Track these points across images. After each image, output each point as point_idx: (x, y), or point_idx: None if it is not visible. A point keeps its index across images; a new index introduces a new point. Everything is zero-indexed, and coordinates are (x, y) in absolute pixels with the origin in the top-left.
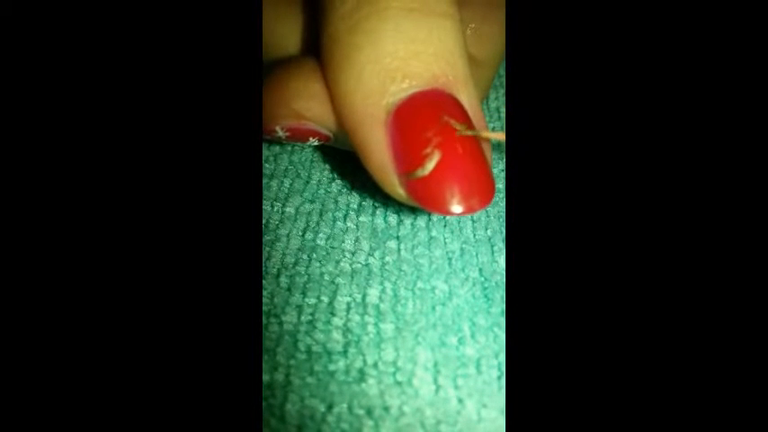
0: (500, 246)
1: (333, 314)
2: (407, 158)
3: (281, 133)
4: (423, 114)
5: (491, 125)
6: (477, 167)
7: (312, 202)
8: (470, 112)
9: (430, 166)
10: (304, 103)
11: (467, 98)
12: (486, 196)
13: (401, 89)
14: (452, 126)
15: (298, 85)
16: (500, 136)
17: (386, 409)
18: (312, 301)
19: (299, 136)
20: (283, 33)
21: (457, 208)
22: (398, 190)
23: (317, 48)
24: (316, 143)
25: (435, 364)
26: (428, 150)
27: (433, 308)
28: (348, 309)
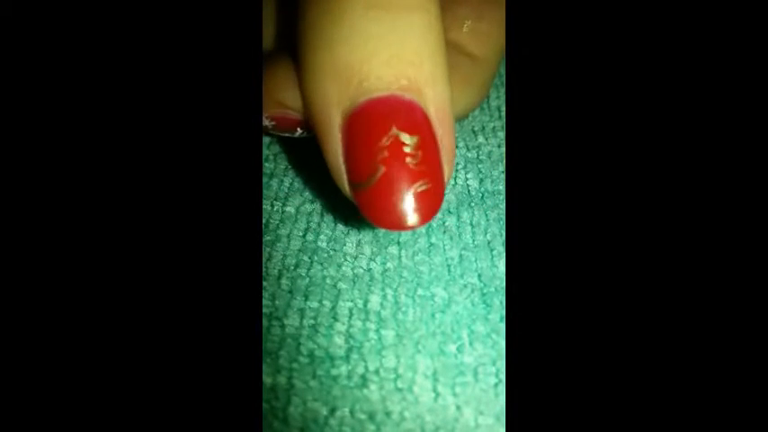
0: (499, 249)
1: (335, 319)
2: (355, 169)
3: (267, 123)
4: (373, 125)
5: (491, 124)
6: (423, 184)
7: (313, 202)
8: (437, 115)
9: (373, 179)
10: (288, 94)
11: (433, 99)
12: (428, 214)
13: (358, 93)
14: (401, 140)
15: (282, 76)
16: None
17: (387, 414)
18: (314, 305)
19: (285, 125)
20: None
21: (392, 224)
22: (351, 198)
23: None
24: (305, 135)
25: (434, 372)
26: (374, 163)
27: (433, 315)
28: (350, 314)
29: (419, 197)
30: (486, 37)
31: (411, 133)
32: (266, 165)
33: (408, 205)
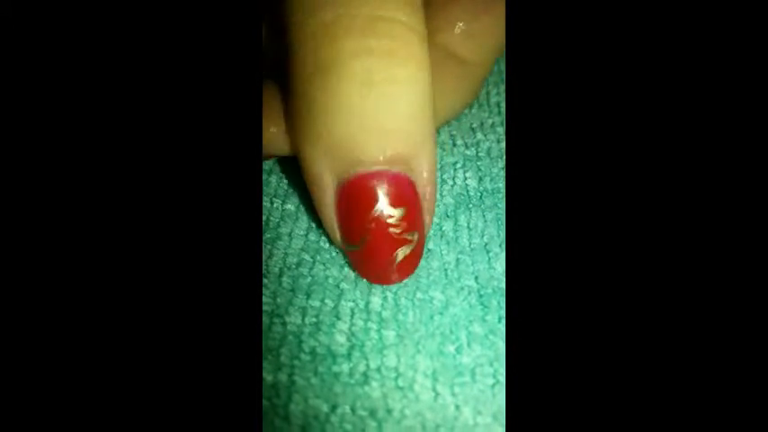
0: (496, 251)
1: (337, 318)
2: (347, 233)
3: None
4: (361, 199)
5: (490, 120)
6: (405, 248)
7: None
8: (426, 176)
9: (362, 243)
10: (271, 130)
11: (425, 163)
12: (407, 273)
13: (351, 164)
14: (383, 215)
15: (267, 113)
16: None
17: (388, 411)
18: (316, 303)
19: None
20: None
21: (377, 281)
22: (342, 248)
23: (279, 66)
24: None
25: (434, 372)
26: (363, 231)
27: (432, 317)
28: (352, 314)
29: (400, 262)
30: (479, 39)
31: (396, 205)
32: (265, 161)
33: (390, 268)
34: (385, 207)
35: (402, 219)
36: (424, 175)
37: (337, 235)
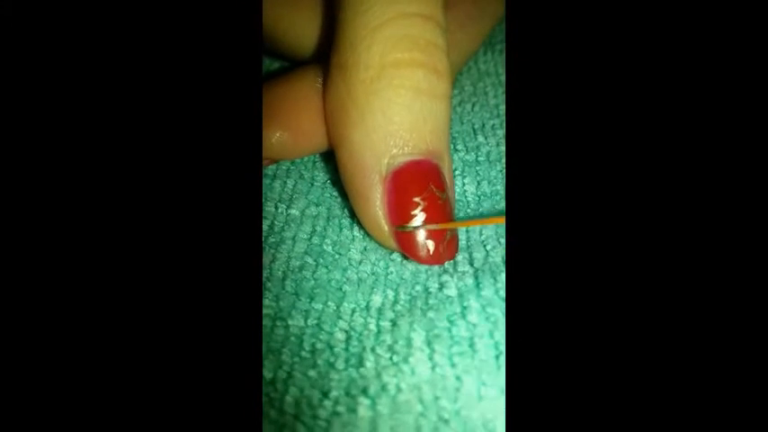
0: (493, 244)
1: (339, 317)
2: (398, 214)
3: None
4: (416, 180)
5: (491, 122)
6: (449, 230)
7: (318, 205)
8: (447, 173)
9: (415, 223)
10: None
11: (447, 163)
12: (451, 253)
13: (402, 153)
14: (435, 194)
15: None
16: (500, 221)
17: (383, 387)
18: (319, 306)
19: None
20: (301, 24)
21: (429, 259)
22: (385, 235)
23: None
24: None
25: (429, 344)
26: (416, 211)
27: (427, 300)
28: (353, 313)
29: (448, 241)
30: (457, 47)
31: (441, 190)
32: (269, 167)
33: (442, 246)
34: (433, 187)
35: (445, 201)
36: (449, 176)
37: (382, 221)
